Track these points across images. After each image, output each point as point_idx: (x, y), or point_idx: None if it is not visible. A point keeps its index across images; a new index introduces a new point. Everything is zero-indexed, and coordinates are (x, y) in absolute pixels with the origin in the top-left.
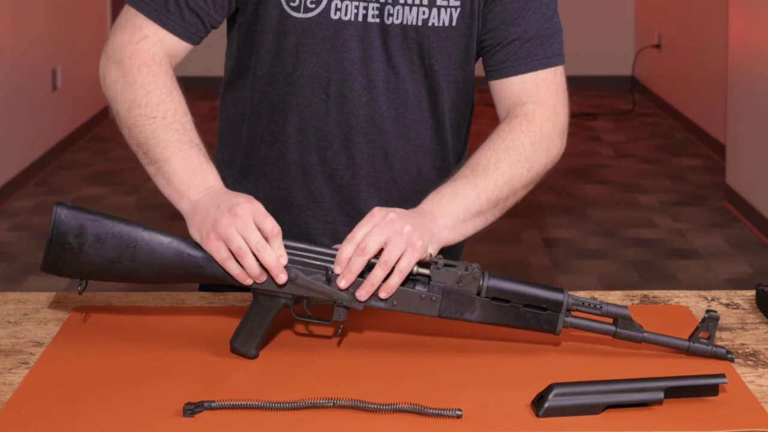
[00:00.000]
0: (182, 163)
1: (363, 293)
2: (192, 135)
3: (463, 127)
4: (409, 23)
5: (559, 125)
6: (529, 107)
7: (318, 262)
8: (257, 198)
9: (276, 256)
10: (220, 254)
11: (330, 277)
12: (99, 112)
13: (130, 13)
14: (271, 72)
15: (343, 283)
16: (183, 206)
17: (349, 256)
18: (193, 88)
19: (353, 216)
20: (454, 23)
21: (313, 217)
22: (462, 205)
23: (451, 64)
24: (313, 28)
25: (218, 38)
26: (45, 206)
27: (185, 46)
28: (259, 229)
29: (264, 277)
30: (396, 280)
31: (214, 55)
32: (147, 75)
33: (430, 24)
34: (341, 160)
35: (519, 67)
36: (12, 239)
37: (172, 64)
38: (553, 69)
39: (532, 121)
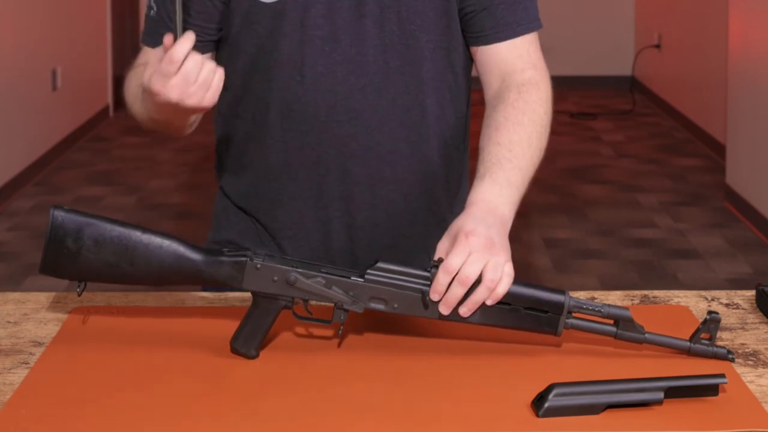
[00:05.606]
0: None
1: (465, 310)
2: None
3: (458, 101)
4: None
5: (551, 88)
6: (529, 74)
7: (415, 285)
8: (250, 199)
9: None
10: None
11: (427, 303)
12: (99, 112)
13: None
14: (251, 62)
15: (445, 311)
16: None
17: (445, 284)
18: None
19: (346, 198)
20: None
21: (304, 205)
22: (515, 193)
23: (431, 29)
24: (281, 11)
25: None
26: (45, 206)
27: None
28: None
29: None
30: (490, 302)
31: None
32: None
33: None
34: (325, 141)
35: (508, 31)
36: (12, 239)
37: None
38: (535, 33)
39: (541, 89)
